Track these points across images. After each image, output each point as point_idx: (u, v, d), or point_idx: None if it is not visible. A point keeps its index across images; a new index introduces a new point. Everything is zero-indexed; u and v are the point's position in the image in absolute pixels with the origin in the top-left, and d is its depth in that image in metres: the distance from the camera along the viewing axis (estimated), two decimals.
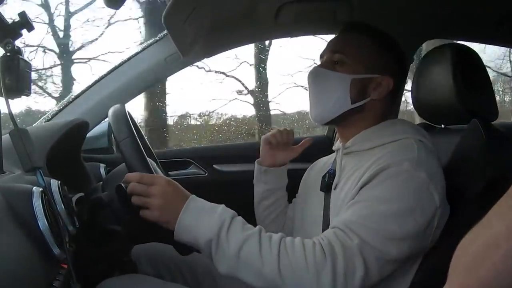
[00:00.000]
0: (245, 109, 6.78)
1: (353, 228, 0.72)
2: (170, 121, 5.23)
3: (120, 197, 0.83)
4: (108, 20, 5.29)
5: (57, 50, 5.31)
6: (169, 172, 1.48)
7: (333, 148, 0.99)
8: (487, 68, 1.02)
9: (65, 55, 5.25)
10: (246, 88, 5.40)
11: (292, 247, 0.71)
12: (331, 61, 0.91)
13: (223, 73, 5.29)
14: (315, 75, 0.92)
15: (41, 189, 0.64)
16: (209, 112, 5.51)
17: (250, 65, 5.33)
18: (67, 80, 5.20)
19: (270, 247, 0.70)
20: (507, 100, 6.49)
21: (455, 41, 1.46)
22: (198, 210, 0.74)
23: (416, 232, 0.73)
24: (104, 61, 5.28)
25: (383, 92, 0.90)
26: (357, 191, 0.79)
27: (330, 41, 0.95)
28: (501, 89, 6.21)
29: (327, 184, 0.92)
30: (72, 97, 1.33)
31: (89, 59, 5.30)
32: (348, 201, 0.80)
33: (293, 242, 0.72)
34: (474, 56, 0.95)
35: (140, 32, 5.20)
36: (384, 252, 0.71)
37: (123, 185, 0.81)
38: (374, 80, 0.89)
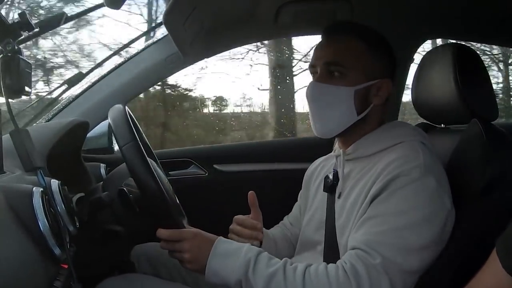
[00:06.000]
0: None
1: (374, 246, 0.73)
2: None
3: (122, 201, 0.83)
4: None
5: None
6: (169, 172, 1.48)
7: (333, 153, 0.98)
8: None
9: None
10: None
11: (316, 275, 0.73)
12: (328, 73, 0.86)
13: None
14: (315, 91, 0.87)
15: (41, 189, 0.64)
16: None
17: None
18: None
19: (295, 278, 0.73)
20: None
21: (455, 41, 1.46)
22: (224, 254, 0.77)
23: (434, 239, 0.74)
24: None
25: (384, 96, 0.89)
26: (368, 204, 0.78)
27: (320, 50, 0.89)
28: None
29: (331, 186, 0.91)
30: (72, 97, 1.32)
31: None
32: (358, 211, 0.80)
33: (317, 270, 0.74)
34: (474, 56, 0.95)
35: None
36: (406, 266, 0.72)
37: (125, 189, 0.82)
38: (375, 86, 0.88)
